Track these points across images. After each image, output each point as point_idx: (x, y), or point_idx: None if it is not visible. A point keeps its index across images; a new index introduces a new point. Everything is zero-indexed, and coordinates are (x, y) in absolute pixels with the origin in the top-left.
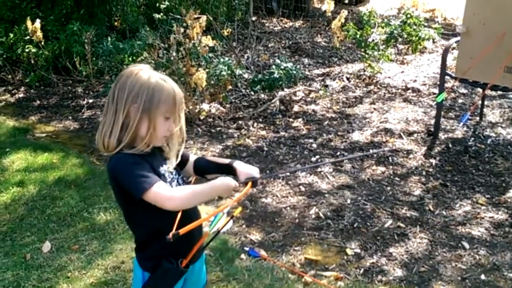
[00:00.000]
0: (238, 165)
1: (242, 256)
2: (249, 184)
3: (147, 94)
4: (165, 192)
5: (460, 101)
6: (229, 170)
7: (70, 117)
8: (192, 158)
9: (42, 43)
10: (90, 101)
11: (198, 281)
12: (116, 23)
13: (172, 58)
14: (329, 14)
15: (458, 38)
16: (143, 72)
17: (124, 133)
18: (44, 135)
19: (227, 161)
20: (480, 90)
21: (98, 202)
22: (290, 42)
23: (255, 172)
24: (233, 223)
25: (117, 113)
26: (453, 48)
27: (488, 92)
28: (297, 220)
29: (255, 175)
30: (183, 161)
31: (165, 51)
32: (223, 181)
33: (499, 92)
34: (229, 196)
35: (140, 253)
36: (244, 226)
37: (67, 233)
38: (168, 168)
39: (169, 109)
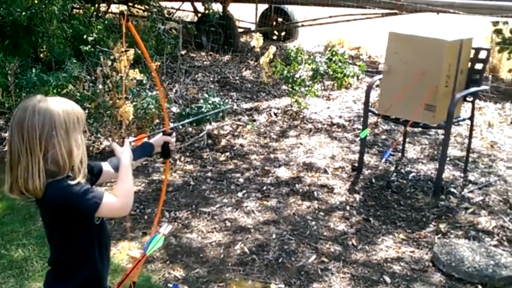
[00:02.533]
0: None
1: None
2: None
3: (59, 123)
4: (114, 201)
5: (383, 137)
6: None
7: None
8: (105, 164)
9: None
10: None
11: None
12: (41, 55)
13: (98, 91)
14: (258, 49)
15: (381, 76)
16: (42, 103)
17: (49, 165)
18: None
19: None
20: (402, 126)
21: (17, 238)
22: (219, 77)
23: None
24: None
25: (34, 153)
26: (377, 85)
27: (409, 128)
28: (222, 256)
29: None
30: (98, 172)
31: (91, 84)
32: (122, 152)
33: (420, 129)
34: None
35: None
36: (168, 262)
37: None
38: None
39: (81, 126)
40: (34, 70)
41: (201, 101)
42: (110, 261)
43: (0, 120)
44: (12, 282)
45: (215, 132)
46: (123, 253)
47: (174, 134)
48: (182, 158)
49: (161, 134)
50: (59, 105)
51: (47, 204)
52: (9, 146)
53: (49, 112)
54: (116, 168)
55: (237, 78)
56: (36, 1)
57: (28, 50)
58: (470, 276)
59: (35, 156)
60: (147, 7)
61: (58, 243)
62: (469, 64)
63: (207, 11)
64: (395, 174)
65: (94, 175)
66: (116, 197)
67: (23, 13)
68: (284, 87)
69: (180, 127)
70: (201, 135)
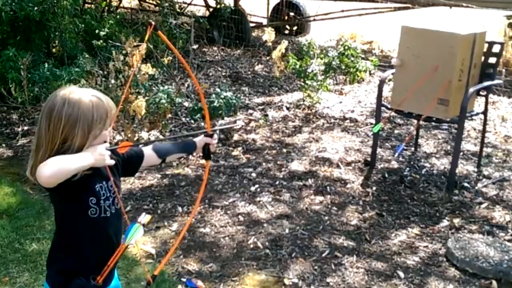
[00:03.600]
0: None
1: (179, 287)
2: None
3: (85, 117)
4: (43, 166)
5: (396, 131)
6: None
7: (4, 145)
8: (147, 150)
9: None
10: (25, 128)
11: None
12: (54, 50)
13: (110, 86)
14: (270, 44)
15: (394, 70)
16: (74, 94)
17: (58, 153)
18: None
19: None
20: (415, 121)
21: (31, 233)
22: (231, 71)
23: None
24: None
25: (53, 141)
26: (389, 80)
27: (422, 123)
28: (235, 250)
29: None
30: (137, 159)
31: (103, 79)
32: (95, 148)
33: (433, 124)
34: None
35: (50, 268)
36: (181, 256)
37: None
38: (104, 184)
39: (105, 124)
40: (46, 65)
41: (213, 95)
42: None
43: (13, 115)
44: (27, 276)
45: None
46: (136, 247)
47: (216, 136)
48: (195, 153)
49: (202, 135)
50: (90, 98)
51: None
52: (37, 131)
53: (77, 104)
54: (161, 154)
55: (249, 72)
56: None
57: (40, 45)
58: (485, 271)
59: (53, 145)
60: (158, 1)
61: (56, 228)
62: (483, 58)
63: (218, 6)
64: (408, 168)
65: (126, 160)
66: (47, 164)
67: (35, 8)
68: (296, 81)
69: (192, 121)
70: (213, 129)
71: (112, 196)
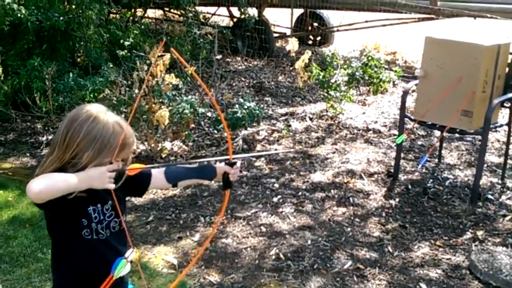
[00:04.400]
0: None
1: None
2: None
3: (102, 140)
4: (33, 181)
5: (419, 142)
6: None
7: (28, 154)
8: (158, 172)
9: (2, 78)
10: (50, 137)
11: None
12: (79, 59)
13: (134, 96)
14: (293, 54)
15: (417, 81)
16: (101, 114)
17: (68, 168)
18: (0, 172)
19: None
20: (438, 132)
21: None
22: (254, 81)
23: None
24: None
25: (66, 152)
26: (413, 91)
27: (446, 134)
28: (257, 261)
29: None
30: (144, 180)
31: (127, 88)
32: (96, 170)
33: (457, 135)
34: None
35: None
36: (203, 267)
37: (20, 274)
38: (98, 207)
39: (113, 154)
40: (71, 75)
41: (237, 106)
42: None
43: (37, 124)
44: (49, 286)
45: (250, 137)
46: (158, 257)
47: (238, 164)
48: (214, 180)
49: (223, 163)
50: (113, 124)
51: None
52: (53, 138)
53: (100, 124)
54: (170, 179)
55: (272, 83)
56: (73, 6)
57: (65, 55)
58: (508, 284)
59: (64, 156)
60: (183, 12)
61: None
62: (507, 69)
63: (242, 16)
64: (431, 180)
65: (133, 179)
66: (39, 178)
67: (61, 18)
68: (319, 92)
69: (216, 131)
70: (236, 140)
71: (107, 219)
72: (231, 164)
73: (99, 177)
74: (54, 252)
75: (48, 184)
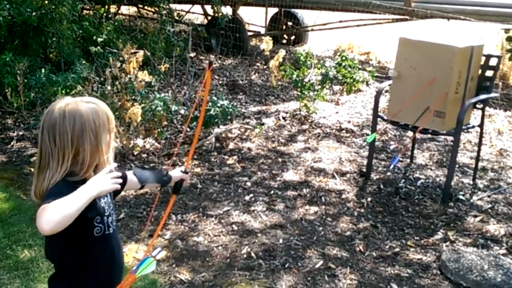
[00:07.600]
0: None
1: None
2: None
3: (89, 124)
4: (44, 216)
5: (391, 143)
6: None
7: None
8: (129, 174)
9: None
10: (21, 133)
11: None
12: (51, 55)
13: (106, 92)
14: (267, 53)
15: (391, 81)
16: (71, 105)
17: (75, 167)
18: None
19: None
20: (411, 133)
21: (23, 239)
22: (228, 80)
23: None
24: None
25: (65, 157)
26: (386, 91)
27: (418, 135)
28: (228, 260)
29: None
30: (123, 182)
31: (100, 85)
32: (94, 178)
33: (429, 136)
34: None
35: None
36: (174, 265)
37: None
38: (107, 199)
39: (108, 127)
40: (43, 71)
41: (210, 104)
42: (122, 271)
43: (8, 120)
44: (18, 283)
45: (223, 135)
46: (129, 255)
47: (189, 173)
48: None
49: (179, 170)
50: (87, 106)
51: None
52: (39, 150)
53: (78, 114)
54: (141, 180)
55: (246, 81)
56: (46, 2)
57: (37, 50)
58: (479, 285)
59: (66, 160)
60: (157, 9)
61: (59, 254)
62: (480, 71)
63: (216, 14)
64: (403, 180)
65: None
66: (47, 212)
67: (33, 13)
68: (293, 91)
69: (188, 129)
70: (209, 138)
71: (112, 212)
72: (186, 172)
73: (104, 181)
74: (65, 261)
75: (61, 215)
